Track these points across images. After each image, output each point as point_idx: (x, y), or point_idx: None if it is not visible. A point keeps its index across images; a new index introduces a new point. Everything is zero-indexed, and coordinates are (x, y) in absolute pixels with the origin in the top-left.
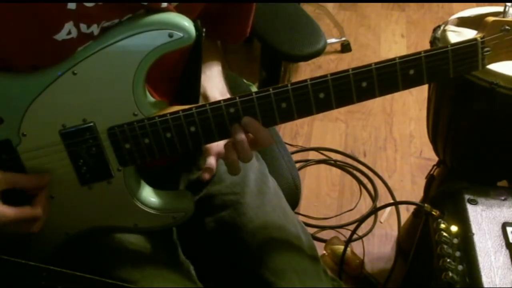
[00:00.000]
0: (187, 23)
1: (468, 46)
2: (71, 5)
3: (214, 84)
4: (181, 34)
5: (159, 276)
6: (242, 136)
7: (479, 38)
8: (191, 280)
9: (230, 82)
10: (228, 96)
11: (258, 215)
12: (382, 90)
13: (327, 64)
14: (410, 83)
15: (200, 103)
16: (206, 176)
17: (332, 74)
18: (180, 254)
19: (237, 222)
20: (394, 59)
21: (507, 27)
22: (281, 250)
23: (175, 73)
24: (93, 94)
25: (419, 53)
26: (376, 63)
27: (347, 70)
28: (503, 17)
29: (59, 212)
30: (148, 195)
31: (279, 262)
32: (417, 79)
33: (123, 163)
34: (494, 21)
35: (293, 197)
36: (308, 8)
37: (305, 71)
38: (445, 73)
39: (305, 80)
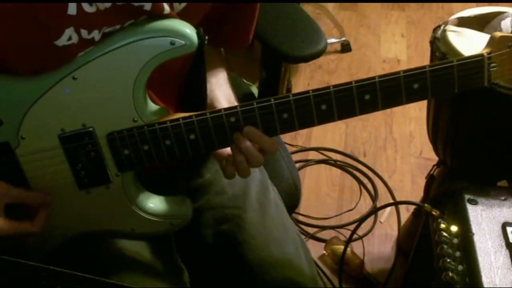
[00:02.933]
0: (189, 31)
1: (474, 62)
2: (71, 11)
3: (221, 93)
4: (183, 42)
5: (148, 284)
6: (247, 144)
7: (485, 54)
8: None
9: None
10: (235, 104)
11: (259, 231)
12: (385, 103)
13: (327, 64)
14: (414, 97)
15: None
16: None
17: (334, 86)
18: (176, 261)
19: (237, 237)
20: (398, 72)
21: None
22: (280, 269)
23: (179, 80)
24: (93, 99)
25: (424, 67)
26: (379, 76)
27: (350, 83)
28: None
29: (57, 215)
30: (147, 200)
31: (278, 282)
32: (421, 94)
33: (122, 168)
34: (501, 36)
35: (293, 199)
36: (308, 8)
37: (305, 71)
38: (450, 88)
39: (307, 92)
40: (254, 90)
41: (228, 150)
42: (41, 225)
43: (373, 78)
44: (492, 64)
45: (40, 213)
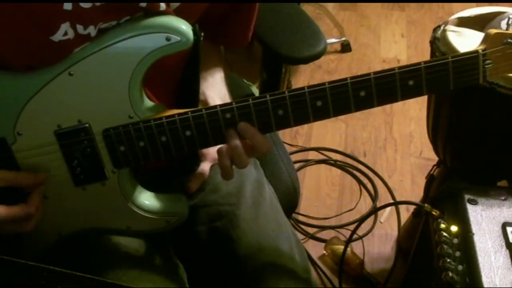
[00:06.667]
0: (185, 27)
1: (469, 58)
2: (67, 6)
3: (216, 91)
4: (179, 38)
5: (146, 280)
6: (236, 142)
7: (480, 51)
8: (180, 284)
9: (230, 82)
10: None
11: (252, 228)
12: (380, 100)
13: (327, 64)
14: (409, 93)
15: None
16: (193, 186)
17: (330, 83)
18: (173, 258)
19: (230, 234)
20: (393, 69)
21: (509, 40)
22: (273, 267)
23: (174, 77)
24: (89, 95)
25: (419, 63)
26: (375, 73)
27: (345, 79)
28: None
29: (52, 212)
30: (142, 198)
31: (270, 279)
32: (417, 90)
33: (118, 165)
34: (496, 33)
35: (292, 200)
36: (308, 8)
37: (305, 71)
38: (445, 85)
39: (303, 88)
40: (255, 90)
41: (214, 154)
42: (35, 206)
43: (368, 74)
44: (487, 61)
45: (33, 194)
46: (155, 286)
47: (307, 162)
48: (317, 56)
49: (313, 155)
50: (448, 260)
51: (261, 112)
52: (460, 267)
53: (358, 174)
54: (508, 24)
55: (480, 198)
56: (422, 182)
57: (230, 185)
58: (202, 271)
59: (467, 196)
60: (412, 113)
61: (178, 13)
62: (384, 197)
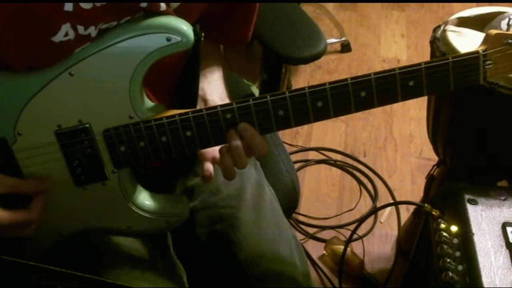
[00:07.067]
0: (185, 27)
1: (469, 59)
2: (68, 7)
3: (214, 88)
4: (179, 38)
5: (146, 280)
6: (237, 142)
7: (481, 51)
8: (180, 285)
9: (230, 82)
10: (227, 101)
11: (252, 232)
12: (380, 101)
13: (327, 64)
14: (409, 94)
15: (197, 107)
16: (207, 173)
17: (330, 83)
18: (173, 258)
19: (231, 237)
20: (393, 69)
21: (510, 41)
22: (273, 273)
23: (174, 77)
24: (90, 96)
25: (419, 64)
26: (375, 73)
27: (345, 79)
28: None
29: (53, 212)
30: (143, 198)
31: (270, 284)
32: (417, 91)
33: (118, 165)
34: (496, 34)
35: (292, 201)
36: (308, 8)
37: (305, 71)
38: (446, 86)
39: (303, 88)
40: (255, 90)
41: (212, 152)
42: (37, 213)
43: (369, 75)
44: (488, 62)
45: (35, 201)
46: (155, 287)
47: (307, 162)
48: (317, 56)
49: (313, 155)
50: (448, 260)
51: (262, 113)
52: (460, 267)
53: (358, 174)
54: (508, 24)
55: (480, 198)
56: (422, 182)
57: (230, 187)
58: (202, 273)
59: (467, 196)
60: (412, 113)
61: (178, 13)
62: (384, 197)
